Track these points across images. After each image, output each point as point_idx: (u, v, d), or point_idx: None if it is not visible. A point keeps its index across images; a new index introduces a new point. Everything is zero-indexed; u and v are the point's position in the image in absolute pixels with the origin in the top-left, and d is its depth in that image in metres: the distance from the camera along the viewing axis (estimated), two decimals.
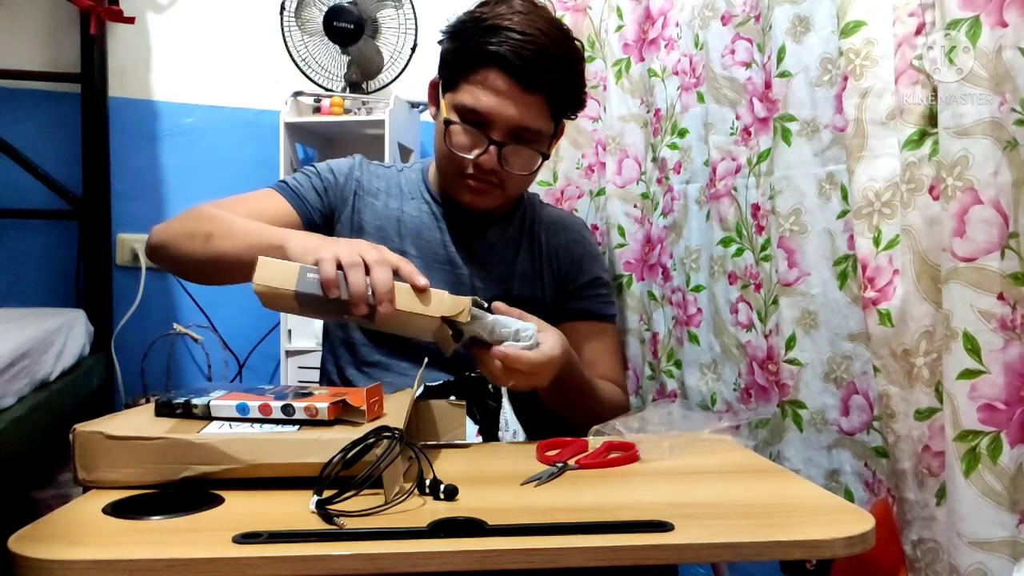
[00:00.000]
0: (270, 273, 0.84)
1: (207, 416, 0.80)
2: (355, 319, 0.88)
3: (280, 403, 0.79)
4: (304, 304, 0.86)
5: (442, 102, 1.10)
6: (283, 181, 1.16)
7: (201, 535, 0.65)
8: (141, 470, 0.74)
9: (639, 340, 1.42)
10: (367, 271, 0.85)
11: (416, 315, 0.88)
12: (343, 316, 0.88)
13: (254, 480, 0.74)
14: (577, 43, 1.12)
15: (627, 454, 0.89)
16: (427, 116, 2.36)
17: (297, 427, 0.78)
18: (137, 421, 0.80)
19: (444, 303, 0.89)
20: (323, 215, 1.16)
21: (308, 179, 1.17)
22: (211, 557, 0.60)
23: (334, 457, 0.71)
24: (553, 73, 1.05)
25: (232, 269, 0.99)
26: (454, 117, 1.07)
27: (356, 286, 0.84)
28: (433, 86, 1.15)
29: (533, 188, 1.49)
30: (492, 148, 1.05)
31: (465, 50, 1.07)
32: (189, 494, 0.72)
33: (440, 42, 1.12)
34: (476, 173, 1.07)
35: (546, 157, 1.13)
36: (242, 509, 0.70)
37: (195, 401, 0.80)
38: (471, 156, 1.06)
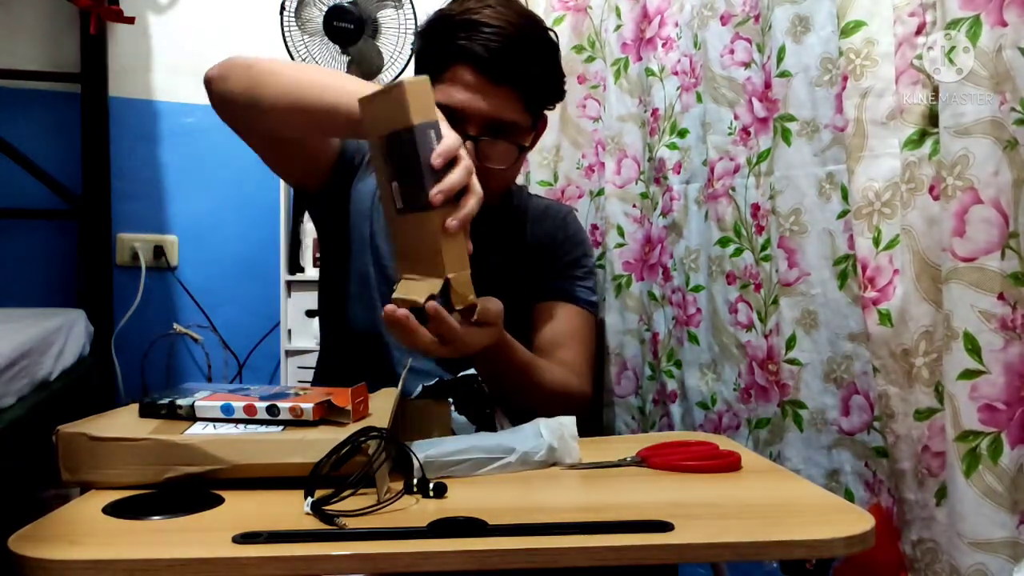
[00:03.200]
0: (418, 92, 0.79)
1: (191, 417, 0.79)
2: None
3: (265, 403, 0.78)
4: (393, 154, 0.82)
5: None
6: None
7: (201, 535, 0.65)
8: (125, 471, 0.74)
9: (639, 340, 1.42)
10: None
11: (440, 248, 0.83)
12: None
13: (253, 480, 0.74)
14: (551, 33, 1.11)
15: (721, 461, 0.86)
16: None
17: (282, 427, 0.78)
18: (121, 422, 0.79)
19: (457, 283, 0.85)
20: (348, 166, 1.16)
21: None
22: (211, 557, 0.60)
23: (326, 457, 0.72)
24: (522, 64, 1.05)
25: (298, 124, 0.97)
26: None
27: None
28: None
29: (534, 189, 1.49)
30: (468, 143, 1.05)
31: (436, 49, 1.07)
32: (189, 494, 0.72)
33: (413, 43, 1.12)
34: None
35: (525, 149, 1.12)
36: (242, 509, 0.70)
37: (179, 402, 0.80)
38: None
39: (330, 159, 1.13)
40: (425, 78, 0.81)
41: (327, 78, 0.95)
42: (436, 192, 0.79)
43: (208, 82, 1.03)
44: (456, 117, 1.05)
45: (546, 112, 1.16)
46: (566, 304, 1.19)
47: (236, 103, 1.01)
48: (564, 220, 1.26)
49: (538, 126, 1.16)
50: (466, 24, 1.03)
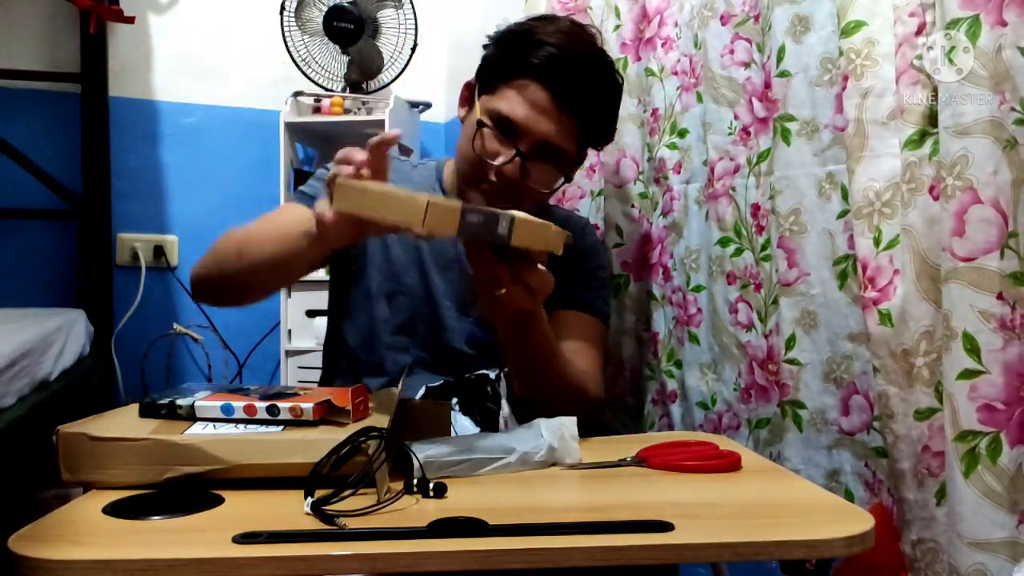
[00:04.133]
0: (435, 214, 0.76)
1: (191, 417, 0.79)
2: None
3: (265, 404, 0.78)
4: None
5: (477, 104, 1.10)
6: (300, 190, 1.16)
7: (201, 535, 0.65)
8: (125, 471, 0.74)
9: (638, 340, 1.42)
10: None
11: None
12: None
13: (253, 480, 0.74)
14: (618, 76, 1.13)
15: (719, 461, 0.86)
16: (427, 116, 2.37)
17: (282, 428, 0.78)
18: (121, 422, 0.79)
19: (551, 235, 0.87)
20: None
21: (322, 183, 1.16)
22: (211, 557, 0.60)
23: (326, 457, 0.72)
24: (592, 101, 1.06)
25: (272, 272, 1.01)
26: (487, 120, 1.07)
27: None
28: (468, 87, 1.15)
29: None
30: (517, 159, 1.05)
31: (509, 58, 1.07)
32: (189, 494, 0.72)
33: (485, 46, 1.12)
34: (496, 180, 1.07)
35: (567, 180, 1.13)
36: (242, 509, 0.70)
37: (179, 402, 0.80)
38: (496, 162, 1.06)
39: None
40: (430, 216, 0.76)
41: (268, 224, 1.04)
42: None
43: (193, 287, 1.11)
44: (512, 129, 1.05)
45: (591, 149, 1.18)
46: (581, 313, 1.20)
47: (214, 287, 1.09)
48: (583, 231, 1.27)
49: (580, 160, 1.17)
50: (543, 44, 1.04)
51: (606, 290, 1.27)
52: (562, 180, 1.12)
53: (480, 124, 1.07)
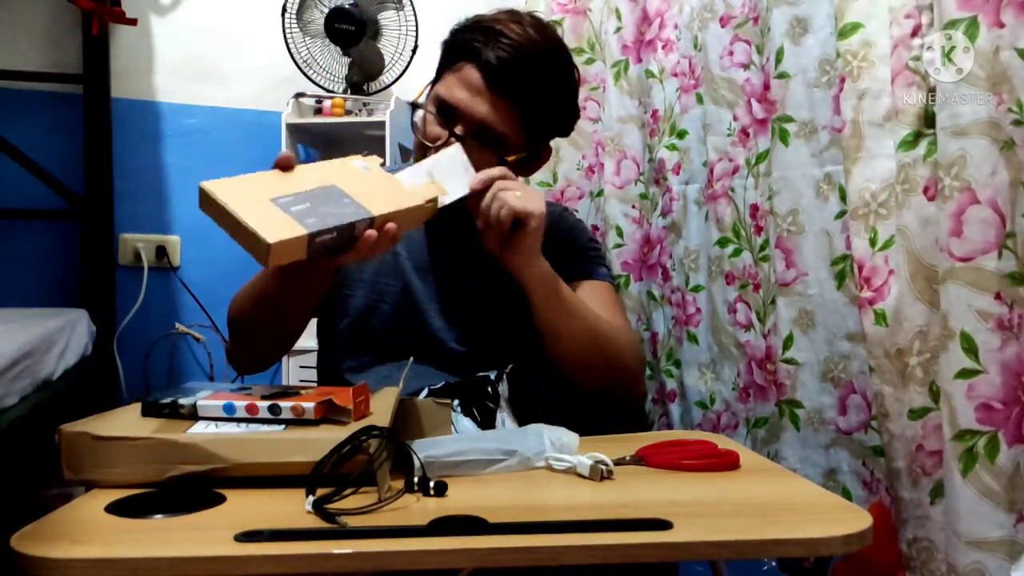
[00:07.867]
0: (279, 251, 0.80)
1: (194, 416, 0.79)
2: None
3: (267, 403, 0.79)
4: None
5: (427, 94, 1.12)
6: None
7: (203, 534, 0.65)
8: (128, 470, 0.74)
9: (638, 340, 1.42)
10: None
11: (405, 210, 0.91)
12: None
13: (255, 479, 0.74)
14: (575, 70, 1.12)
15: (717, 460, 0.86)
16: None
17: (283, 427, 0.78)
18: (124, 421, 0.80)
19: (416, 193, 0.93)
20: None
21: None
22: (213, 556, 0.60)
23: (328, 456, 0.72)
24: (527, 83, 1.05)
25: (289, 299, 1.02)
26: (429, 105, 1.08)
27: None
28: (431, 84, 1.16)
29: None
30: (452, 139, 1.05)
31: (455, 40, 1.08)
32: (191, 493, 0.72)
33: (445, 42, 1.13)
34: None
35: (508, 164, 1.10)
36: (244, 508, 0.70)
37: (182, 401, 0.80)
38: (433, 145, 1.06)
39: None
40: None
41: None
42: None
43: (235, 363, 1.17)
44: (450, 113, 1.06)
45: (550, 144, 1.16)
46: (586, 280, 1.18)
47: (254, 346, 1.12)
48: (561, 216, 1.26)
49: (540, 155, 1.16)
50: (490, 30, 1.04)
51: (603, 259, 1.25)
52: (499, 164, 1.07)
53: (414, 106, 1.09)
